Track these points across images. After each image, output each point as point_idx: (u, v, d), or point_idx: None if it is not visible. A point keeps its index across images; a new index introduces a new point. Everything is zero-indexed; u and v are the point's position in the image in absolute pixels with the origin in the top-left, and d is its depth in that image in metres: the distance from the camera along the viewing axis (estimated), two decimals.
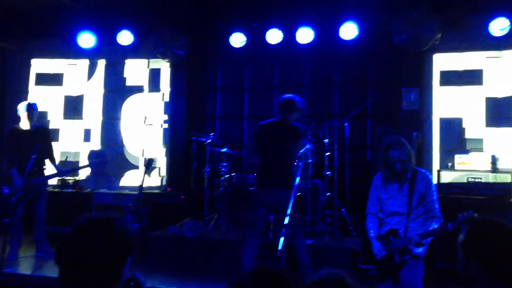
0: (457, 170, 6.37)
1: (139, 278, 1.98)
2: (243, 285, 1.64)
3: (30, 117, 6.50)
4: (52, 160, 6.66)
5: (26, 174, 6.01)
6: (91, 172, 8.25)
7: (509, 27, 6.52)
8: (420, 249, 3.84)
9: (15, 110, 8.79)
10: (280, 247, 3.73)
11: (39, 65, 8.89)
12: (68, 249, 1.72)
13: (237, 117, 8.22)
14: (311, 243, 5.80)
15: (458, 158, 6.56)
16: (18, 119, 8.72)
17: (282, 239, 3.74)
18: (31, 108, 6.55)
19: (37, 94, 8.79)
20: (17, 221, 6.20)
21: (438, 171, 6.36)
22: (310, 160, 6.33)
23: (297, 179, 4.05)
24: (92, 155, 8.02)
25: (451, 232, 3.57)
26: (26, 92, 8.89)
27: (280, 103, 5.55)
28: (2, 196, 6.28)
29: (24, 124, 6.51)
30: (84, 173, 8.29)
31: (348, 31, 7.12)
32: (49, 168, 6.67)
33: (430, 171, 6.59)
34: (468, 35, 7.08)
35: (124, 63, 8.54)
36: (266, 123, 5.55)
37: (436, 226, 3.80)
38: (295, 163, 4.30)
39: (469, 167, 6.33)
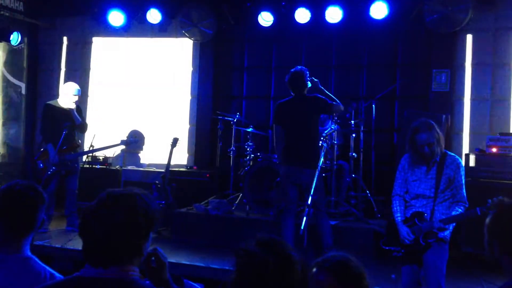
0: (487, 154, 6.21)
1: (160, 252, 2.00)
2: (249, 252, 1.67)
3: (73, 99, 6.53)
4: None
5: (57, 149, 6.19)
6: (122, 150, 8.40)
7: None
8: (445, 233, 3.81)
9: (47, 88, 9.06)
10: (302, 226, 3.76)
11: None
12: (90, 222, 1.76)
13: (263, 98, 8.21)
14: (335, 224, 5.80)
15: (488, 141, 6.40)
16: (51, 96, 8.97)
17: (304, 218, 3.77)
18: (77, 92, 6.59)
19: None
20: (49, 196, 6.39)
21: (467, 155, 6.23)
22: (336, 141, 6.30)
23: (321, 160, 4.05)
24: (129, 134, 8.16)
25: (479, 217, 3.52)
26: (58, 69, 9.07)
27: (289, 80, 5.43)
28: (37, 170, 6.46)
29: (63, 102, 6.57)
30: (115, 151, 8.43)
31: (378, 10, 6.96)
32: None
33: (460, 154, 6.48)
34: (502, 16, 6.86)
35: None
36: (285, 102, 5.47)
37: (460, 210, 3.75)
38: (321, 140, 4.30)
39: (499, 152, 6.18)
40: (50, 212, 6.44)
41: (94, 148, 7.56)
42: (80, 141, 6.79)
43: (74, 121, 6.51)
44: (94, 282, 1.71)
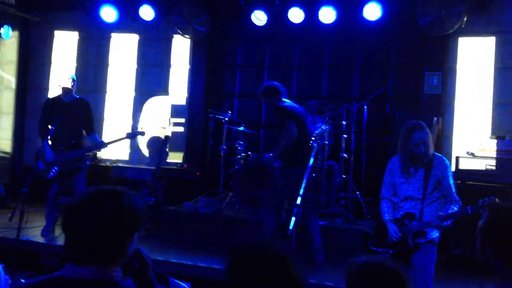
0: (477, 157, 6.24)
1: (143, 252, 1.95)
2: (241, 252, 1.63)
3: (70, 89, 6.18)
4: (92, 133, 6.36)
5: (44, 145, 6.00)
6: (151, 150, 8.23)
7: None
8: (435, 235, 3.82)
9: (38, 82, 8.98)
10: (291, 226, 3.75)
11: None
12: (75, 217, 1.72)
13: (255, 96, 8.15)
14: (324, 224, 5.80)
15: (478, 144, 6.44)
16: (41, 90, 8.89)
17: (293, 218, 3.75)
18: (72, 79, 6.23)
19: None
20: (53, 197, 6.08)
21: (457, 158, 6.25)
22: (327, 142, 6.29)
23: (311, 160, 4.04)
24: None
25: (470, 216, 3.55)
26: (49, 63, 8.99)
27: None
28: (38, 171, 6.01)
29: (64, 95, 6.23)
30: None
31: (372, 11, 6.95)
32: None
33: (450, 157, 6.50)
34: (494, 20, 6.90)
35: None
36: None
37: (456, 209, 3.75)
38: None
39: (489, 154, 6.20)
40: (54, 214, 6.10)
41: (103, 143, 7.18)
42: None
43: (82, 117, 6.23)
44: (74, 282, 1.66)
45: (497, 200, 3.53)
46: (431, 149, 3.89)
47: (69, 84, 6.17)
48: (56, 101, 6.26)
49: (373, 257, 1.74)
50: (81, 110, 6.27)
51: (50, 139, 6.05)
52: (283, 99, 5.53)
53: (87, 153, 6.57)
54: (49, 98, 6.41)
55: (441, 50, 7.15)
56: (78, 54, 8.91)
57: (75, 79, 6.32)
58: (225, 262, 1.61)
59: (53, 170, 5.96)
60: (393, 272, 1.66)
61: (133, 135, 6.58)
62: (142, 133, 6.61)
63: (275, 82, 5.65)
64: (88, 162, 7.54)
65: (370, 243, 4.06)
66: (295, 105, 5.53)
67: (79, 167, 6.15)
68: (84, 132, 6.32)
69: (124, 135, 6.53)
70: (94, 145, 6.37)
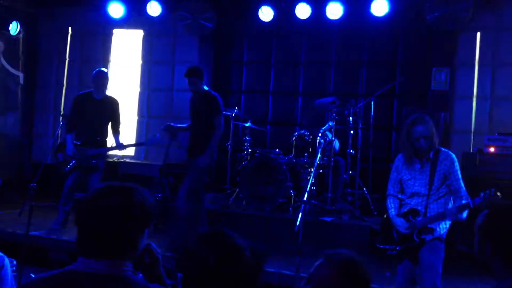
0: (484, 153, 6.21)
1: (154, 247, 1.99)
2: (188, 251, 1.65)
3: (100, 85, 6.15)
4: (116, 133, 6.30)
5: (55, 142, 6.03)
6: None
7: None
8: (442, 231, 3.80)
9: (47, 78, 9.02)
10: (298, 222, 3.77)
11: None
12: (86, 211, 1.75)
13: (262, 92, 8.19)
14: (331, 220, 5.81)
15: (486, 140, 6.40)
16: (48, 86, 8.93)
17: (300, 214, 3.77)
18: (102, 75, 6.17)
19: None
20: (67, 191, 6.04)
21: (464, 154, 6.23)
22: (334, 138, 6.29)
23: (318, 156, 4.05)
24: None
25: (471, 209, 3.52)
26: (57, 60, 9.03)
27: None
28: (57, 163, 6.09)
29: (95, 91, 6.17)
30: None
31: (379, 7, 6.94)
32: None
33: (458, 153, 6.47)
34: (502, 15, 6.85)
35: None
36: None
37: (465, 202, 3.71)
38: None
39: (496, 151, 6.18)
40: (66, 208, 6.05)
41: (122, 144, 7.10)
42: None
43: (109, 116, 6.19)
44: (85, 276, 1.69)
45: (497, 192, 3.51)
46: (435, 143, 3.83)
47: (97, 81, 6.14)
48: (87, 97, 6.20)
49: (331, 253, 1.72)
50: (109, 108, 6.23)
51: (75, 134, 6.07)
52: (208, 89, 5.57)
53: (107, 153, 6.52)
54: (79, 93, 6.31)
55: (448, 45, 7.11)
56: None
57: (108, 76, 6.29)
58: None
59: (71, 164, 5.98)
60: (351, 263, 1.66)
61: (152, 141, 6.49)
62: (163, 141, 6.48)
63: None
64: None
65: (376, 241, 4.05)
66: None
67: (97, 165, 6.10)
68: (110, 131, 6.30)
69: (144, 141, 6.47)
70: (115, 146, 6.31)
